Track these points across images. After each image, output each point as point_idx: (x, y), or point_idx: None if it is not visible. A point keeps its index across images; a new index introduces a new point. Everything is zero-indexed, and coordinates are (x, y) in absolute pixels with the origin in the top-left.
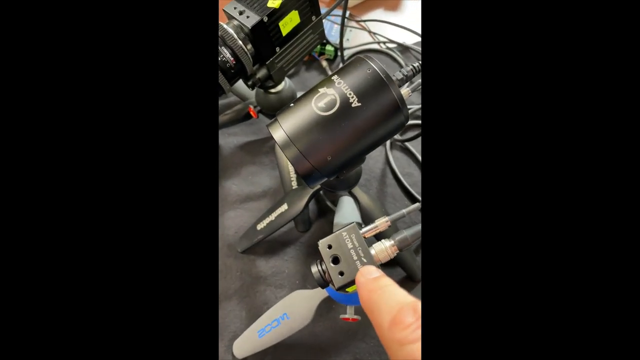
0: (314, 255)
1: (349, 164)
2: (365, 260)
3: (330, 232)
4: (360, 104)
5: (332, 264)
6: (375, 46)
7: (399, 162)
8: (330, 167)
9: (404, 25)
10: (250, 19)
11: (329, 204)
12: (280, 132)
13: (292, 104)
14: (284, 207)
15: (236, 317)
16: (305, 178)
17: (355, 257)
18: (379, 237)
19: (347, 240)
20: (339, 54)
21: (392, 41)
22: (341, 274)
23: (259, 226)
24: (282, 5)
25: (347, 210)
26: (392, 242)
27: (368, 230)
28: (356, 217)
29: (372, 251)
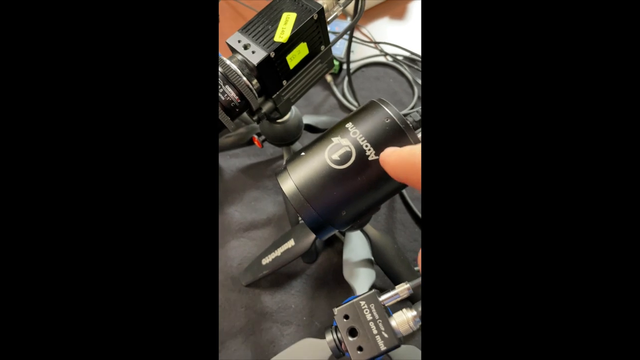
0: (321, 288)
1: (364, 215)
2: (386, 336)
3: (338, 263)
4: (377, 157)
5: (349, 337)
6: (381, 59)
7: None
8: (344, 221)
9: (410, 33)
10: (256, 55)
11: (336, 233)
12: (289, 183)
13: (302, 153)
14: (291, 242)
15: (241, 358)
16: (315, 232)
17: (375, 331)
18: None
19: (366, 311)
20: (343, 67)
21: (398, 54)
22: (360, 349)
23: (264, 261)
24: (290, 38)
25: (356, 244)
26: (415, 312)
27: (388, 297)
28: (366, 252)
29: (393, 322)
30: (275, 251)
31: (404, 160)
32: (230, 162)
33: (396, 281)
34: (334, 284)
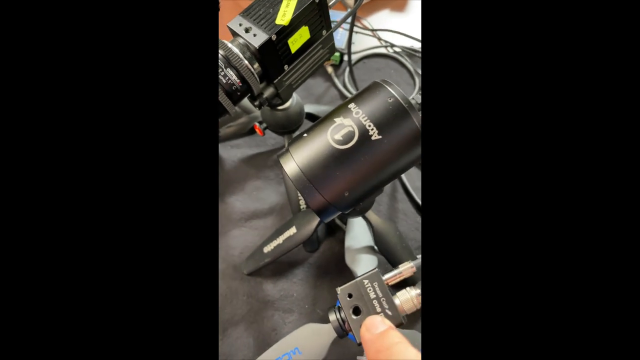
0: (323, 277)
1: (366, 197)
2: (390, 313)
3: (340, 252)
4: (380, 137)
5: (353, 316)
6: (382, 50)
7: (409, 175)
8: (347, 202)
9: (411, 25)
10: (258, 38)
11: (337, 222)
12: (292, 164)
13: (305, 134)
14: (293, 230)
15: (244, 345)
16: (319, 213)
17: (378, 309)
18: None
19: (370, 289)
20: (344, 58)
21: (399, 45)
22: None
23: (266, 249)
24: (291, 21)
25: (358, 231)
26: (419, 291)
27: (392, 276)
28: (368, 239)
29: (397, 301)
30: (277, 239)
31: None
32: (231, 153)
33: None
34: (336, 273)
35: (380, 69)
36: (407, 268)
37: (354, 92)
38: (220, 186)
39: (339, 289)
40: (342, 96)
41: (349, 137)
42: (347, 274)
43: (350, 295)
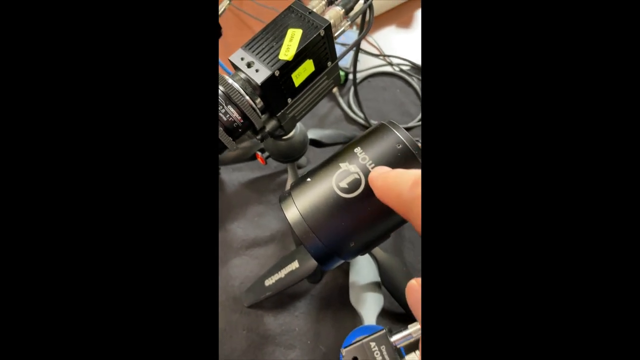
0: (326, 309)
1: (373, 246)
2: None
3: (344, 283)
4: None
5: None
6: (388, 68)
7: None
8: (352, 252)
9: (417, 41)
10: (260, 74)
11: None
12: (293, 211)
13: (308, 179)
14: (295, 264)
15: None
16: (320, 262)
17: None
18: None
19: (377, 353)
20: (349, 77)
21: (404, 63)
22: None
23: (267, 282)
24: (295, 56)
25: (362, 266)
26: None
27: (400, 338)
28: (373, 274)
29: None
30: (279, 272)
31: (389, 188)
32: (232, 176)
33: (405, 306)
34: (340, 305)
35: (386, 87)
36: (416, 330)
37: (359, 112)
38: (220, 211)
39: (344, 350)
40: (347, 117)
41: (355, 186)
42: (351, 307)
43: (355, 359)
